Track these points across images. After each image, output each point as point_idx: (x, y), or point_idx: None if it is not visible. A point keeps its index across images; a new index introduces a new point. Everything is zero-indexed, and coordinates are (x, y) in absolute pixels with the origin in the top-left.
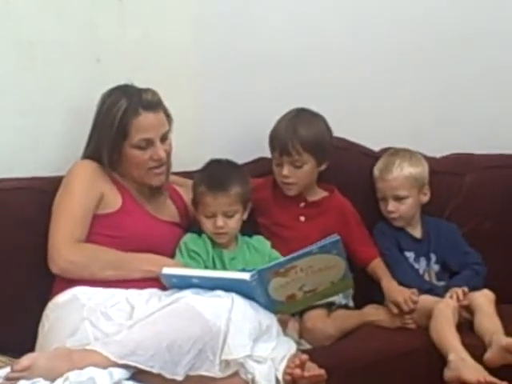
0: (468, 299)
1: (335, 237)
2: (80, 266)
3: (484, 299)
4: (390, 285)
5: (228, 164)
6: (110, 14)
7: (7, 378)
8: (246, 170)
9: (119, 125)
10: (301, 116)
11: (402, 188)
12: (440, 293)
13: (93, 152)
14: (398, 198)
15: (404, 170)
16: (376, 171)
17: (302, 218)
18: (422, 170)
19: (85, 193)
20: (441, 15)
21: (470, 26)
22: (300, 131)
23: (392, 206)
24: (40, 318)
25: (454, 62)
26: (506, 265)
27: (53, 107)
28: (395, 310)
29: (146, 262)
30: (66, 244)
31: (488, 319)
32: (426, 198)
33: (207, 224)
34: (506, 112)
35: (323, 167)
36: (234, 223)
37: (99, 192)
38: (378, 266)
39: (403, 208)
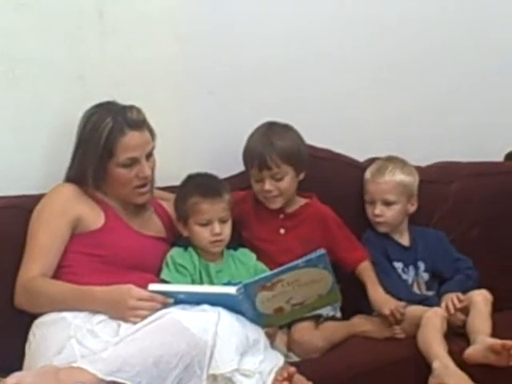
0: (466, 299)
1: (321, 251)
2: (28, 305)
3: (482, 298)
4: (375, 294)
5: (210, 174)
6: (92, 30)
7: None
8: (231, 183)
9: (105, 144)
10: (273, 129)
11: (392, 193)
12: (431, 303)
13: (76, 171)
14: (387, 203)
15: (396, 176)
16: (368, 174)
17: (282, 231)
18: (412, 180)
19: (52, 223)
20: (424, 26)
21: (453, 35)
22: (276, 143)
23: (379, 209)
24: (27, 337)
25: (438, 71)
26: (494, 271)
27: (37, 124)
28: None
29: (87, 302)
30: (19, 283)
31: (480, 319)
32: (412, 209)
33: (204, 233)
34: (490, 120)
35: (301, 176)
36: (228, 229)
37: (73, 217)
38: (364, 270)
39: (390, 213)
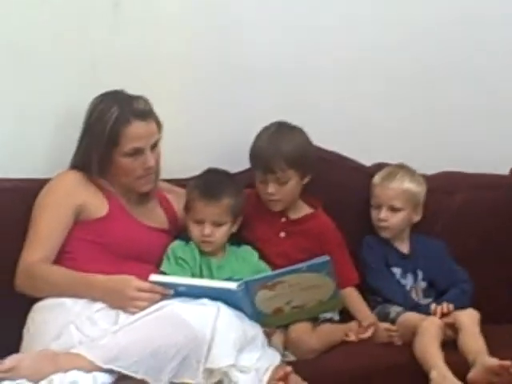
0: (453, 318)
1: (325, 257)
2: (28, 289)
3: (468, 319)
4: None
5: (225, 174)
6: (105, 20)
7: None
8: (236, 179)
9: (110, 133)
10: (280, 131)
11: (399, 199)
12: (426, 310)
13: (81, 158)
14: (393, 209)
15: (404, 184)
16: (376, 178)
17: (283, 234)
18: (420, 189)
19: (56, 208)
20: (434, 40)
21: (459, 52)
22: (283, 148)
23: (384, 214)
24: (25, 321)
25: (448, 83)
26: (492, 284)
27: (46, 111)
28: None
29: (88, 289)
30: (20, 267)
31: (472, 339)
32: (416, 218)
33: (195, 230)
34: (496, 133)
35: (306, 180)
36: (221, 233)
37: (77, 204)
38: (351, 293)
39: (394, 220)
